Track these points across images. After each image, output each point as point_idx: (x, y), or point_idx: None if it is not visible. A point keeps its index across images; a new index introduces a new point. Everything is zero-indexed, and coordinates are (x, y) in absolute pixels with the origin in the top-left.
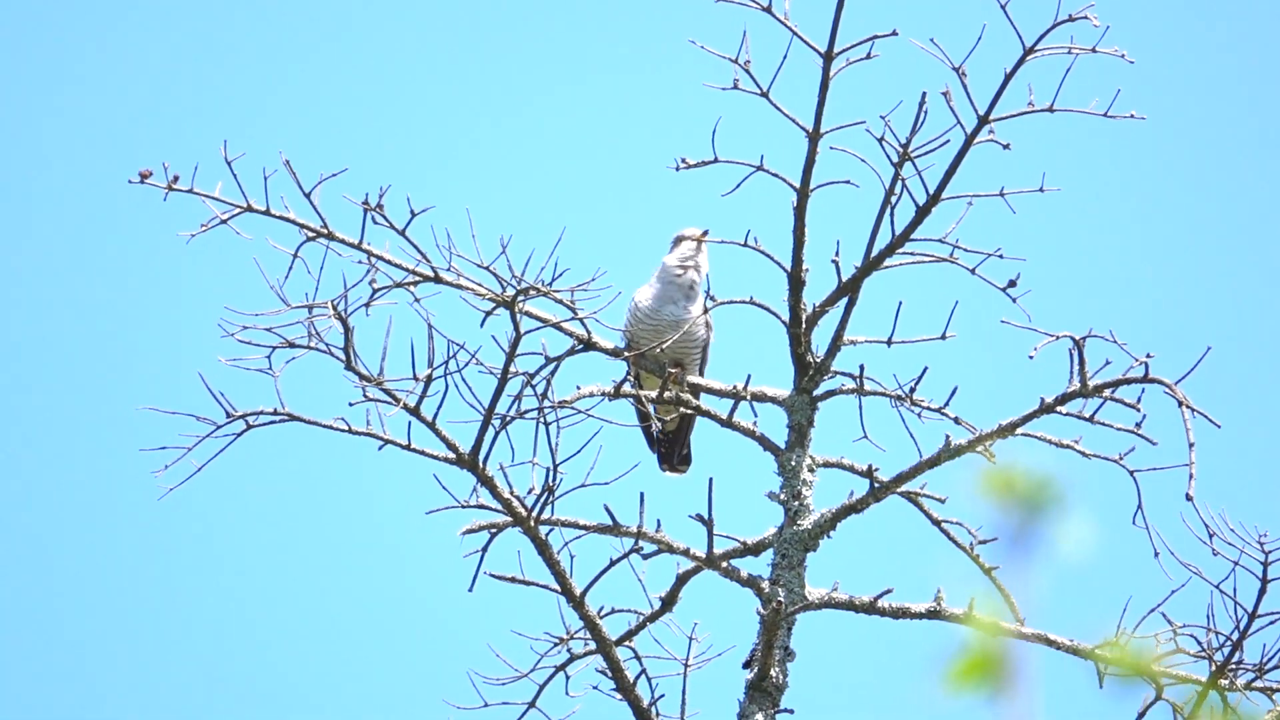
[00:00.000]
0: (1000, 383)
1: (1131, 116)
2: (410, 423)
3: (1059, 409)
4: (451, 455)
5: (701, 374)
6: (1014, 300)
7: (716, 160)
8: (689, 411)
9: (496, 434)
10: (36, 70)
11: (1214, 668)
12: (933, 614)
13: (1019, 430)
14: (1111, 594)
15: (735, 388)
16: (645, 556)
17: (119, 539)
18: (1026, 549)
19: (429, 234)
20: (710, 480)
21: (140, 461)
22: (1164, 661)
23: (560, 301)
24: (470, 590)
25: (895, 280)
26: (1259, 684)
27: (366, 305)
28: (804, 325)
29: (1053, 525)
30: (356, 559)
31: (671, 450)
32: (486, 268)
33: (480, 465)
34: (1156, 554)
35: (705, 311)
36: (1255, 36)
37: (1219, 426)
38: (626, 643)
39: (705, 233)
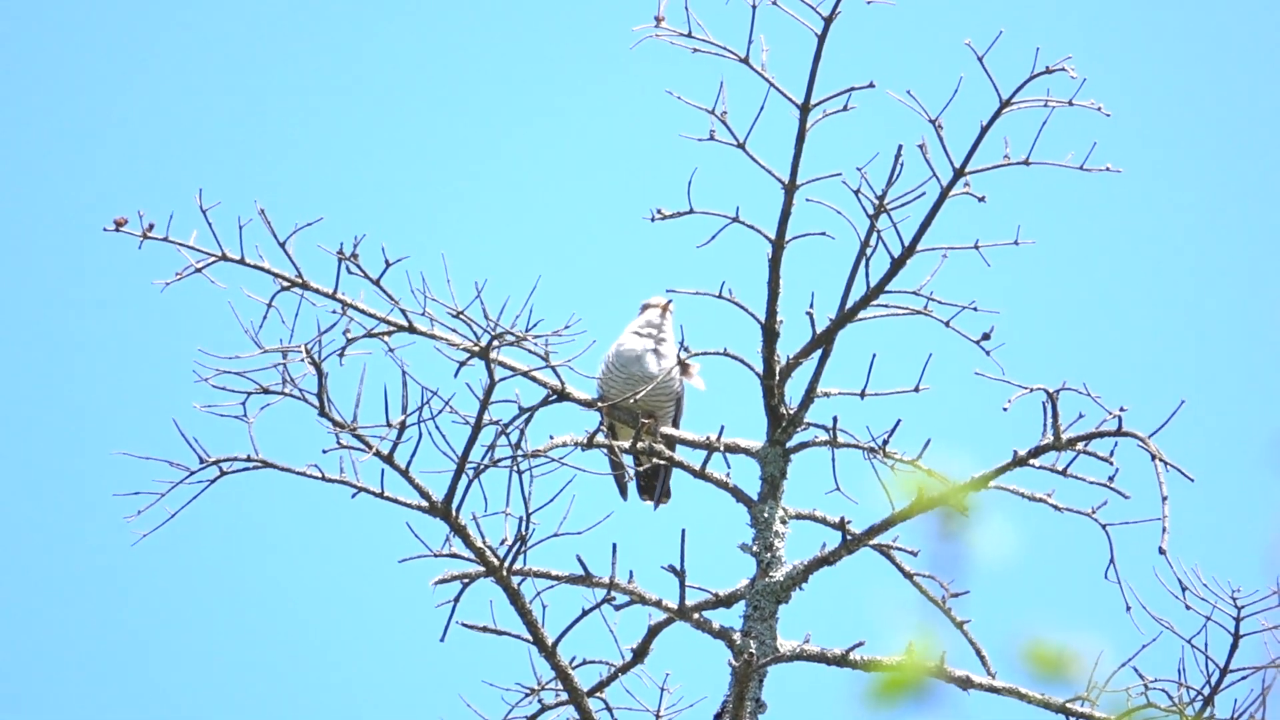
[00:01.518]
0: (973, 435)
1: (1107, 169)
2: (383, 470)
3: (1032, 462)
4: (425, 504)
5: (676, 425)
6: (988, 353)
7: (692, 211)
8: (662, 463)
9: (470, 483)
10: (9, 122)
11: None
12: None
13: (992, 483)
14: (1082, 647)
15: (708, 439)
16: (617, 607)
17: (92, 584)
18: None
19: (404, 281)
20: (683, 532)
21: (113, 507)
22: (1136, 716)
23: (533, 351)
24: (442, 640)
25: (869, 332)
26: None
27: (340, 354)
28: (778, 377)
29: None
30: (328, 607)
31: (651, 486)
32: (460, 315)
33: (453, 514)
34: (1129, 608)
35: (679, 362)
36: (1231, 91)
37: (1192, 480)
38: (598, 694)
39: (669, 303)
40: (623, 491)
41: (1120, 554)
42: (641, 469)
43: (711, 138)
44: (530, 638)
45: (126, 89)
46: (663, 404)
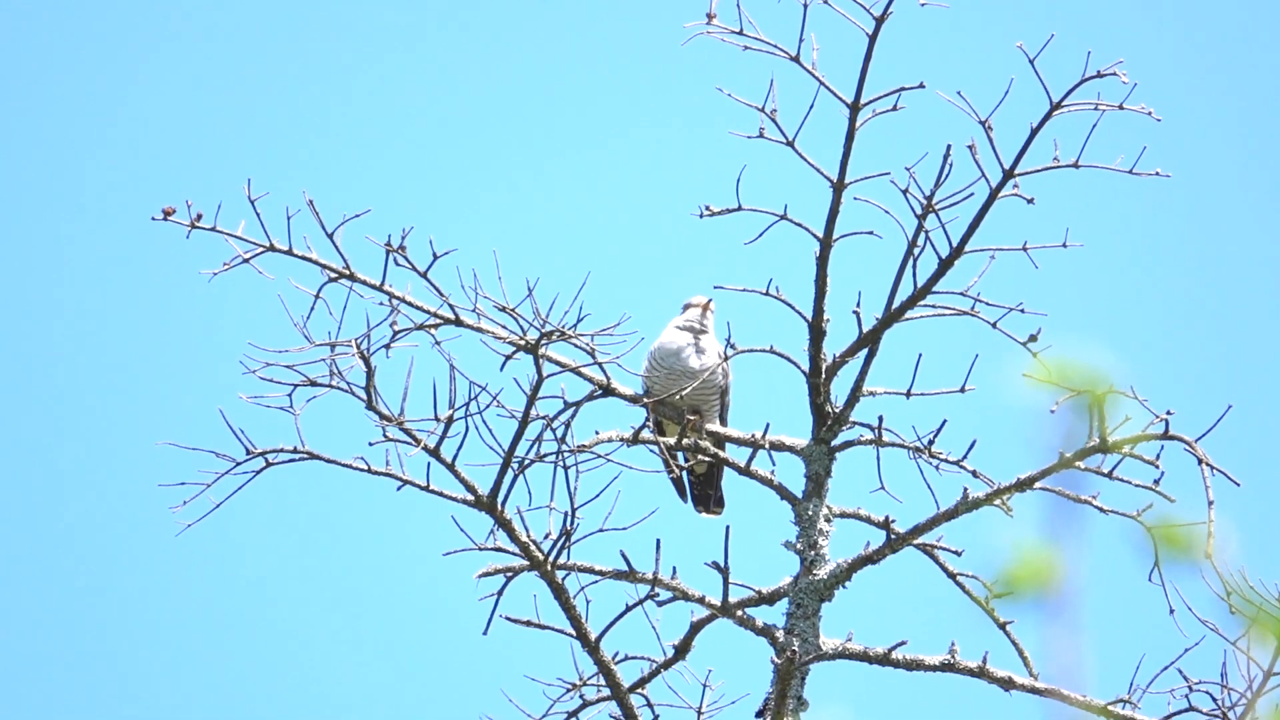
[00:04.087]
0: (1019, 436)
1: (1156, 174)
2: (429, 464)
3: (1077, 464)
4: (470, 497)
5: (724, 422)
6: (1035, 355)
7: (740, 208)
8: (707, 459)
9: (515, 477)
10: (59, 107)
11: None
12: (946, 666)
13: (1037, 484)
14: (1126, 650)
15: (753, 436)
16: (660, 603)
17: (136, 574)
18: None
19: (453, 275)
20: (727, 528)
21: (159, 497)
22: (1178, 719)
23: (581, 347)
24: (485, 633)
25: (916, 332)
26: None
27: (387, 347)
28: (824, 375)
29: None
30: (373, 599)
31: (705, 493)
32: (510, 310)
33: (498, 508)
34: (1172, 610)
35: (725, 359)
36: None
37: (1239, 485)
38: (640, 690)
39: (710, 301)
40: (681, 494)
41: (1165, 557)
42: (689, 465)
43: (761, 135)
44: (573, 632)
45: (175, 79)
46: (708, 399)
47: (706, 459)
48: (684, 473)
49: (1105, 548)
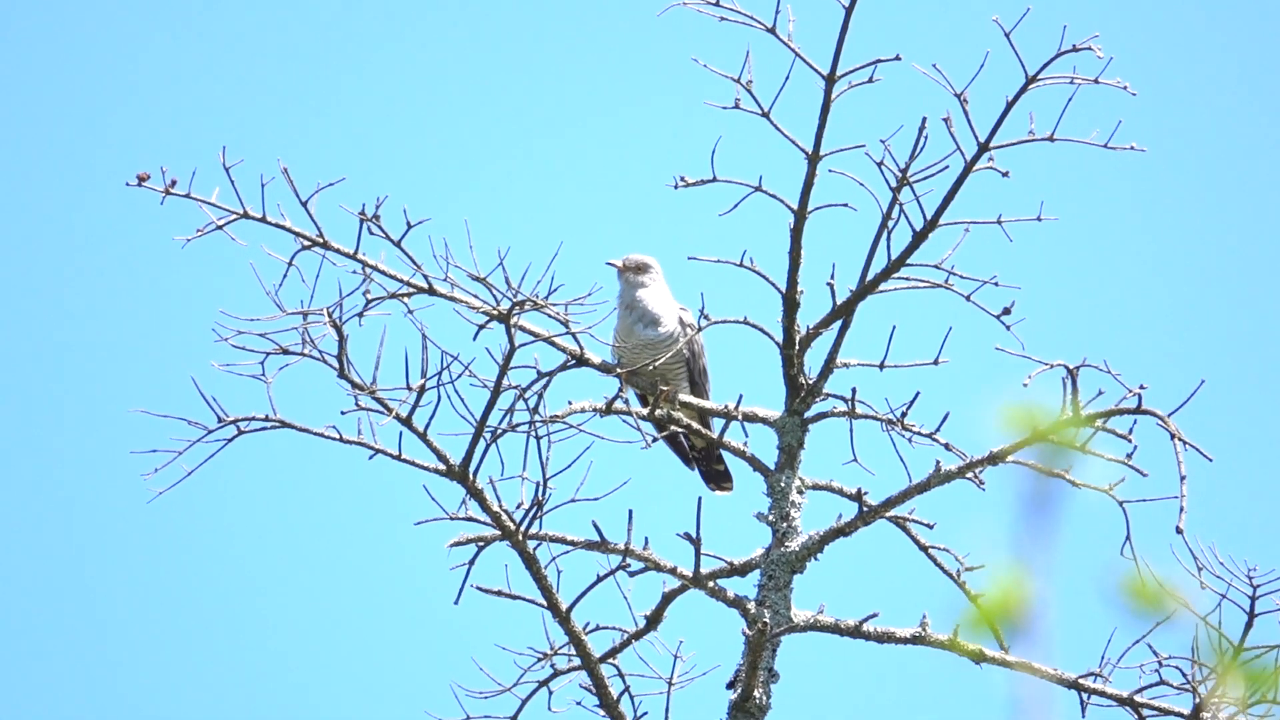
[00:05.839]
0: (992, 410)
1: (1131, 148)
2: (401, 433)
3: (1050, 438)
4: (442, 466)
5: (705, 394)
6: (1008, 328)
7: (715, 179)
8: (679, 430)
9: (487, 447)
10: (34, 70)
11: (1198, 700)
12: (917, 639)
13: (1009, 458)
14: (1097, 624)
15: (726, 407)
16: (632, 574)
17: (107, 542)
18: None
19: (426, 245)
20: (699, 499)
21: (130, 464)
22: (1148, 694)
23: (554, 316)
24: (456, 602)
25: (890, 304)
26: (1241, 718)
27: (360, 315)
28: (797, 347)
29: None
30: (344, 567)
31: (712, 469)
32: (482, 280)
33: (470, 477)
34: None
35: (699, 330)
36: (1256, 70)
37: (1211, 460)
38: (611, 660)
39: (618, 262)
40: (686, 462)
41: (1136, 531)
42: (661, 436)
43: (736, 106)
44: (544, 602)
45: (150, 44)
46: (672, 368)
47: (679, 429)
48: (690, 449)
49: (1078, 522)
